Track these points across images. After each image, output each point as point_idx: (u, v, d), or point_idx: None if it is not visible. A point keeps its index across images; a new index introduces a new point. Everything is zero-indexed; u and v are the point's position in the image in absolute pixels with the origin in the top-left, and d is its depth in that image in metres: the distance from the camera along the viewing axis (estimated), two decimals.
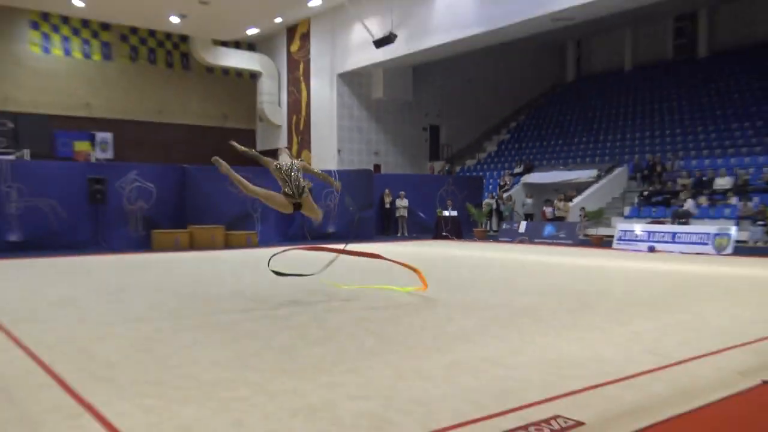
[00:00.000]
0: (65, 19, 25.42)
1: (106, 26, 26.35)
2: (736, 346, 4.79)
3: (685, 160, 20.77)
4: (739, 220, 15.94)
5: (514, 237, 18.53)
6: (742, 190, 17.22)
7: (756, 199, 16.42)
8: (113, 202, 15.44)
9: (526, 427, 3.08)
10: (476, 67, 29.72)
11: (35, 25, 24.91)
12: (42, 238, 14.66)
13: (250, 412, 3.29)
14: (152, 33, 27.52)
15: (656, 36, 30.25)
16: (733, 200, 17.04)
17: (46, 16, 25.02)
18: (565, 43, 33.28)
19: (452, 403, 3.43)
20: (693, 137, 22.36)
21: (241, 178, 6.89)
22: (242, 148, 7.24)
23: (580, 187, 20.96)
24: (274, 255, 7.21)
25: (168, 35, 27.86)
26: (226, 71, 29.47)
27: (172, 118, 28.11)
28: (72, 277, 9.53)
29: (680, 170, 19.87)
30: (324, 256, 7.62)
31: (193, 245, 15.76)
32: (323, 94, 26.49)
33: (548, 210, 19.74)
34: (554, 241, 17.46)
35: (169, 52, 28.06)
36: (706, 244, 14.25)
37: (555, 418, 3.19)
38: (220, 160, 6.86)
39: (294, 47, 28.07)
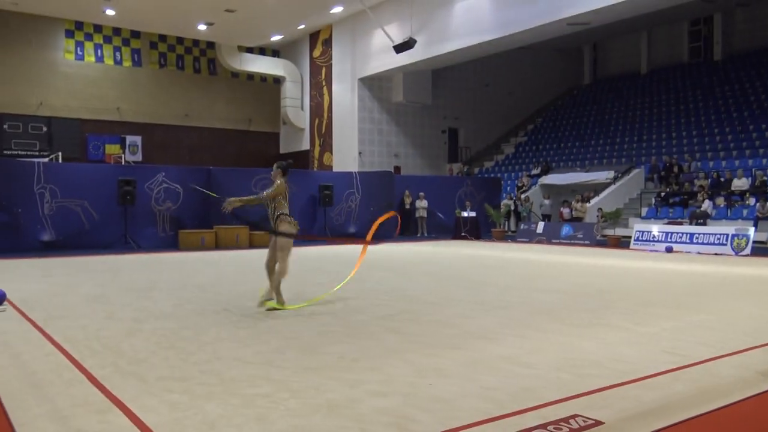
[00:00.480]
0: (98, 28, 26.00)
1: (136, 34, 26.87)
2: (756, 347, 4.76)
3: (702, 161, 20.58)
4: (757, 220, 15.74)
5: (531, 237, 18.48)
6: (759, 191, 16.98)
7: None
8: (142, 202, 15.72)
9: (545, 425, 3.09)
10: (494, 70, 29.71)
11: (70, 34, 25.49)
12: (73, 238, 14.97)
13: (272, 408, 3.34)
14: (180, 40, 27.97)
15: (672, 39, 30.02)
16: (751, 201, 16.85)
17: (80, 25, 25.62)
18: (581, 47, 33.16)
19: (471, 401, 3.45)
20: (710, 139, 22.13)
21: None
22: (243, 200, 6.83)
23: (597, 188, 20.84)
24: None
25: (195, 42, 28.30)
26: (251, 76, 29.81)
27: (199, 122, 28.51)
28: (101, 275, 9.68)
29: (697, 171, 19.68)
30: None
31: (218, 245, 15.99)
32: (344, 98, 26.64)
33: (565, 211, 19.65)
34: (572, 241, 17.38)
35: (197, 58, 28.49)
36: (724, 244, 14.08)
37: (574, 417, 3.19)
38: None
39: (316, 53, 28.30)
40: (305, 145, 28.98)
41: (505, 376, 3.97)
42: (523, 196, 21.91)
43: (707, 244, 14.38)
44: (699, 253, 14.22)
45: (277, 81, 30.01)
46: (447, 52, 22.13)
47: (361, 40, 25.58)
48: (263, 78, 30.06)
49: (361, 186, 19.06)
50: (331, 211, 18.42)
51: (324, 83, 27.81)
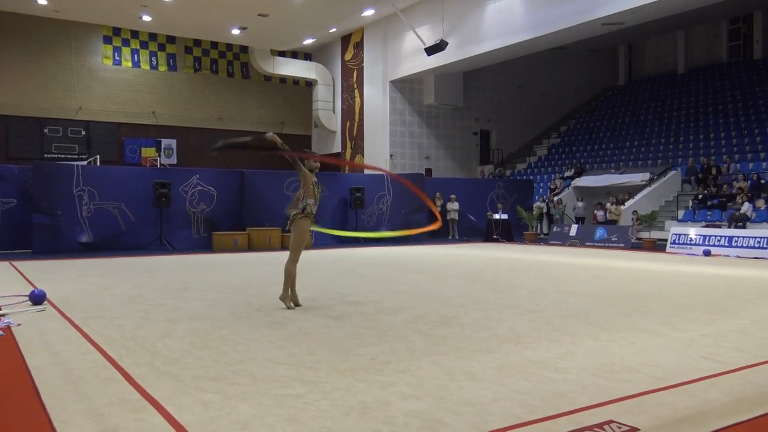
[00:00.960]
0: (135, 33, 26.63)
1: (171, 39, 27.42)
2: None
3: (741, 162, 20.09)
4: None
5: (564, 240, 18.27)
6: None
7: None
8: (177, 205, 16.00)
9: (579, 431, 3.05)
10: (526, 71, 29.50)
11: (108, 40, 26.16)
12: (110, 239, 15.33)
13: (304, 409, 3.35)
14: (214, 45, 28.44)
15: (710, 38, 29.42)
16: None
17: (117, 31, 26.28)
18: (616, 47, 32.71)
19: (503, 405, 3.43)
20: (749, 139, 21.59)
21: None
22: (284, 146, 6.45)
23: (632, 190, 20.53)
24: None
25: (229, 46, 28.72)
26: (283, 80, 30.12)
27: (232, 125, 28.89)
28: (137, 276, 9.83)
29: (736, 173, 19.23)
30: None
31: (251, 246, 16.19)
32: (376, 101, 26.71)
33: (599, 213, 19.38)
34: (606, 244, 17.14)
35: (230, 62, 28.91)
36: (764, 248, 13.71)
37: (608, 423, 3.14)
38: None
39: (348, 55, 28.44)
40: (337, 148, 29.14)
41: (537, 380, 3.92)
42: (555, 198, 21.69)
43: (747, 247, 14.04)
44: (738, 256, 13.89)
45: (309, 84, 30.26)
46: (479, 54, 22.02)
47: (392, 43, 25.62)
48: (295, 81, 30.35)
49: (393, 188, 19.08)
50: (362, 214, 18.48)
51: (355, 86, 27.93)
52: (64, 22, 25.03)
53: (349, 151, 28.34)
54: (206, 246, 16.22)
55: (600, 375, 4.03)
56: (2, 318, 5.88)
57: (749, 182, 18.15)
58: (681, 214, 18.93)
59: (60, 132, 25.22)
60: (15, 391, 3.76)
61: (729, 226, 15.86)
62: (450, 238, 20.42)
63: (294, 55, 30.29)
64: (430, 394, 3.63)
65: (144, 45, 26.91)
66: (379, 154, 26.41)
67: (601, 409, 3.37)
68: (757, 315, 6.35)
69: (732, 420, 3.24)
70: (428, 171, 26.31)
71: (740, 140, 21.86)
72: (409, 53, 24.54)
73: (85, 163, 21.49)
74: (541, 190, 24.03)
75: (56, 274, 9.99)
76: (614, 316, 6.21)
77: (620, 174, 21.83)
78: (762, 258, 13.46)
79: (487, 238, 19.40)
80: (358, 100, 27.81)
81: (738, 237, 14.45)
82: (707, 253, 14.41)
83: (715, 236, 14.87)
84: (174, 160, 26.89)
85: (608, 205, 19.38)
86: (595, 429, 3.07)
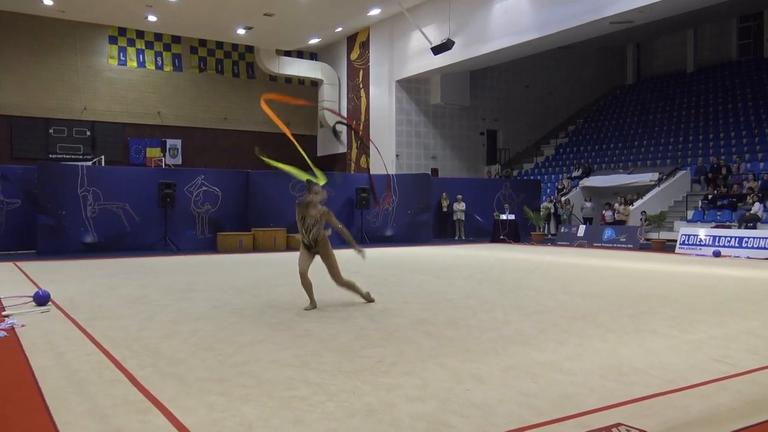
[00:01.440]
0: (140, 33, 26.71)
1: (177, 39, 27.48)
2: None
3: (751, 162, 19.94)
4: None
5: (572, 241, 18.19)
6: None
7: None
8: (181, 205, 16.00)
9: None
10: (534, 70, 29.41)
11: (113, 40, 26.27)
12: (115, 240, 15.33)
13: (309, 411, 3.34)
14: (220, 45, 28.48)
15: (720, 36, 29.24)
16: None
17: (123, 31, 26.38)
18: (624, 46, 32.55)
19: (509, 408, 3.40)
20: (760, 139, 21.43)
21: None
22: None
23: (640, 191, 20.42)
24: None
25: (234, 46, 28.77)
26: (288, 79, 30.14)
27: (237, 125, 28.96)
28: (142, 277, 9.85)
29: (746, 173, 19.08)
30: None
31: (256, 247, 16.17)
32: (382, 101, 26.68)
33: (608, 214, 19.28)
34: (614, 245, 17.05)
35: (235, 62, 28.96)
36: None
37: (616, 425, 3.12)
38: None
39: (354, 55, 28.43)
40: (342, 148, 29.13)
41: (544, 382, 3.90)
42: (563, 198, 21.61)
43: (757, 248, 13.92)
44: (749, 257, 13.77)
45: (315, 84, 30.27)
46: (485, 53, 21.94)
47: (398, 42, 25.60)
48: (301, 81, 30.38)
49: (399, 188, 19.05)
50: (368, 214, 18.46)
51: (361, 86, 27.92)
52: (69, 23, 25.13)
53: (355, 151, 28.33)
54: (211, 247, 16.22)
55: (608, 377, 4.01)
56: (6, 319, 5.89)
57: (760, 182, 18.02)
58: (690, 214, 18.82)
59: (65, 132, 25.32)
60: (18, 392, 3.76)
61: (739, 227, 15.73)
62: (456, 238, 20.37)
63: (300, 54, 30.32)
64: (436, 396, 3.61)
65: (149, 45, 26.99)
66: (385, 154, 26.34)
67: (608, 411, 3.35)
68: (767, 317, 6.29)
69: (742, 423, 3.21)
70: (434, 171, 26.27)
71: (750, 140, 21.70)
72: (416, 53, 24.51)
73: (89, 163, 21.59)
74: (548, 191, 23.94)
75: (60, 275, 10.00)
76: (622, 317, 6.16)
77: (629, 174, 21.72)
78: None
79: (494, 238, 19.34)
80: (363, 100, 27.79)
81: (748, 238, 14.32)
82: (717, 254, 14.30)
83: (725, 237, 14.75)
84: (179, 161, 26.96)
85: (616, 205, 19.28)
86: None
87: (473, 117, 28.15)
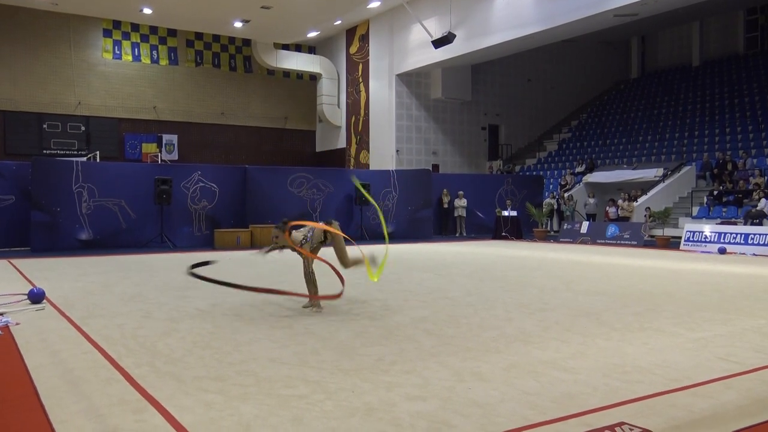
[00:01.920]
0: (135, 27, 26.55)
1: (172, 32, 27.33)
2: None
3: (758, 157, 19.87)
4: None
5: (575, 237, 18.13)
6: None
7: None
8: (178, 201, 15.93)
9: None
10: (536, 64, 29.34)
11: (108, 33, 26.12)
12: (111, 237, 15.26)
13: (308, 410, 3.31)
14: (216, 38, 28.33)
15: (726, 29, 29.12)
16: None
17: (118, 24, 26.22)
18: (629, 39, 32.45)
19: (511, 406, 3.38)
20: (767, 134, 21.35)
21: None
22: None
23: (645, 187, 20.37)
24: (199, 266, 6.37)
25: (231, 39, 28.64)
26: (286, 74, 30.02)
27: (235, 120, 28.86)
28: (138, 274, 9.80)
29: (753, 168, 19.02)
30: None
31: (254, 244, 16.07)
32: (382, 95, 26.61)
33: (611, 210, 19.23)
34: (618, 242, 16.99)
35: (232, 55, 28.83)
36: None
37: (620, 424, 3.09)
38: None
39: (353, 49, 28.32)
40: (342, 143, 29.08)
41: (546, 381, 3.86)
42: (566, 194, 21.55)
43: (763, 245, 13.85)
44: (755, 254, 13.69)
45: (314, 78, 30.17)
46: (487, 47, 21.88)
47: (398, 36, 25.51)
48: (299, 75, 30.26)
49: (399, 184, 18.99)
50: (368, 211, 18.39)
51: (361, 80, 27.83)
52: (62, 16, 24.96)
53: (354, 146, 28.25)
54: (208, 243, 16.16)
55: (611, 376, 3.98)
56: (1, 317, 5.84)
57: (766, 178, 17.98)
58: (695, 210, 18.78)
59: (59, 127, 25.21)
60: (13, 391, 3.74)
61: (745, 223, 15.66)
62: (457, 235, 20.32)
63: (298, 48, 30.16)
64: (436, 395, 3.59)
65: (144, 38, 26.82)
66: (385, 149, 26.32)
67: (612, 410, 3.32)
68: None
69: (749, 422, 3.18)
70: (435, 167, 26.20)
71: (757, 135, 21.62)
72: (416, 46, 24.42)
73: (84, 159, 21.46)
74: (551, 186, 23.89)
75: (55, 273, 9.94)
76: (626, 315, 6.12)
77: (633, 170, 21.66)
78: None
79: (496, 235, 19.28)
80: (363, 94, 27.71)
81: (754, 234, 14.23)
82: (722, 251, 14.22)
83: (731, 233, 14.66)
84: (175, 156, 26.87)
85: (620, 201, 19.22)
86: (606, 431, 3.03)
87: (475, 112, 28.09)
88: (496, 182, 21.93)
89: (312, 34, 28.60)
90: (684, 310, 6.38)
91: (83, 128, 25.65)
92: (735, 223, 15.78)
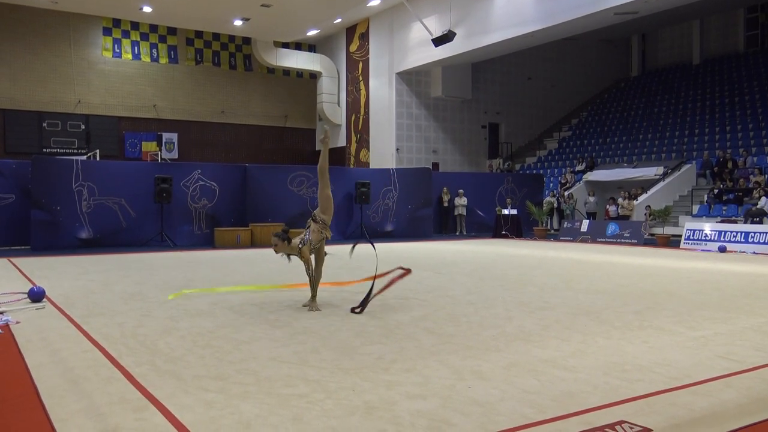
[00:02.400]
0: (135, 25, 26.53)
1: (172, 31, 27.30)
2: None
3: (758, 156, 19.86)
4: None
5: (575, 236, 18.13)
6: None
7: None
8: (178, 200, 15.92)
9: (589, 431, 2.99)
10: (536, 62, 29.31)
11: (108, 31, 26.08)
12: (111, 236, 15.25)
13: (308, 409, 3.31)
14: (216, 36, 28.30)
15: (727, 27, 29.09)
16: None
17: (117, 23, 26.19)
18: (629, 37, 32.42)
19: (511, 405, 3.37)
20: (767, 132, 21.34)
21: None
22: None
23: (645, 185, 20.36)
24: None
25: (231, 38, 28.61)
26: (286, 72, 29.99)
27: (235, 119, 28.84)
28: (138, 273, 9.79)
29: (753, 167, 19.01)
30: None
31: (254, 242, 16.07)
32: (382, 93, 26.58)
33: (612, 208, 19.22)
34: (618, 240, 16.98)
35: (232, 54, 28.80)
36: None
37: (620, 423, 3.09)
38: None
39: (353, 47, 28.29)
40: (342, 142, 29.05)
41: (546, 379, 3.86)
42: (566, 193, 21.54)
43: (764, 243, 13.84)
44: (755, 253, 13.69)
45: (314, 76, 30.14)
46: (487, 45, 21.86)
47: (398, 34, 25.48)
48: (299, 73, 30.24)
49: (399, 183, 18.98)
50: (368, 209, 18.38)
51: (361, 78, 27.81)
52: (62, 14, 24.93)
53: (354, 144, 28.24)
54: (208, 242, 16.15)
55: (612, 374, 3.97)
56: (1, 316, 5.84)
57: (766, 176, 17.98)
58: (696, 209, 18.77)
59: (59, 126, 25.18)
60: (14, 390, 3.74)
61: (745, 222, 15.67)
62: (457, 234, 20.31)
63: (298, 46, 30.15)
64: (437, 393, 3.59)
65: (144, 37, 26.79)
66: (385, 147, 26.31)
67: (612, 409, 3.32)
68: None
69: (749, 420, 3.18)
70: (435, 165, 26.19)
71: (757, 133, 21.60)
72: (416, 44, 24.40)
73: (84, 157, 21.45)
74: (551, 185, 23.88)
75: (55, 271, 9.94)
76: (626, 314, 6.12)
77: (633, 168, 21.66)
78: None
79: (496, 234, 19.28)
80: (363, 92, 27.69)
81: (754, 233, 14.23)
82: (723, 250, 14.21)
83: (731, 232, 14.66)
84: (175, 155, 26.84)
85: (620, 199, 19.22)
86: (606, 429, 3.03)
87: (475, 110, 28.07)
88: (496, 181, 21.92)
89: (312, 33, 28.57)
90: (684, 309, 6.38)
91: (83, 127, 25.62)
92: (735, 222, 15.79)
